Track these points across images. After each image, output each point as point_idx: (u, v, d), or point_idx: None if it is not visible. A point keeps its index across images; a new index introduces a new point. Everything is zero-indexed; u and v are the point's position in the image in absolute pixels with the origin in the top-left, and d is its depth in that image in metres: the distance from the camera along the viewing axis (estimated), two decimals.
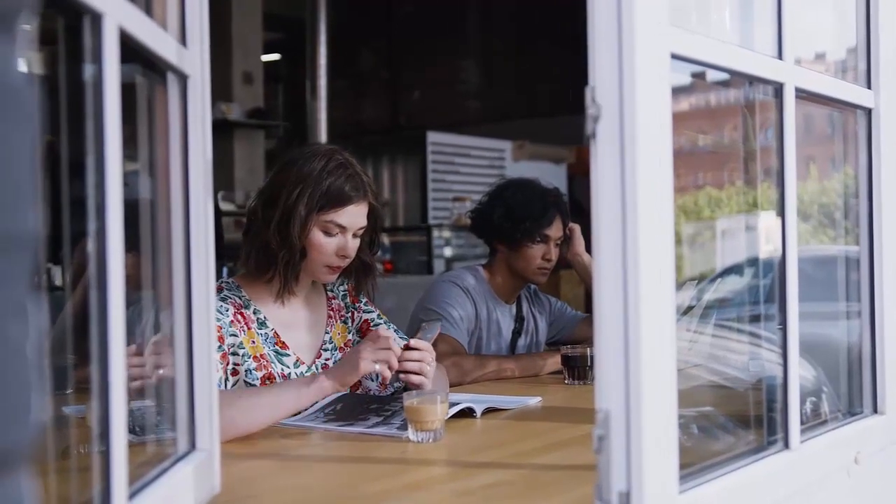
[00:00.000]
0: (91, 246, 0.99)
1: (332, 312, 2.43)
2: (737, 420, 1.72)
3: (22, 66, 0.61)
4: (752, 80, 1.60)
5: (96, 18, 0.99)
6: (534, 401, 2.39)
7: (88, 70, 1.01)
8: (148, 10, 1.22)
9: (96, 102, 1.00)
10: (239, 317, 2.23)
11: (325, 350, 2.37)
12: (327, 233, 2.24)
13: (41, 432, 0.61)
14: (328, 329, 2.40)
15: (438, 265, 7.48)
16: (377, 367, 2.06)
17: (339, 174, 2.23)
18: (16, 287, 0.57)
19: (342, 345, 2.41)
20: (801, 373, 1.60)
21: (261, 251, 2.25)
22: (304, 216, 2.20)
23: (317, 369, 2.31)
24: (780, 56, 1.55)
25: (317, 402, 2.14)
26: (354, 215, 2.26)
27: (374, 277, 2.44)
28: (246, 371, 2.19)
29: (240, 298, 2.27)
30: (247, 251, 2.28)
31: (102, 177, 0.99)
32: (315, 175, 2.21)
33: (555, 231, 3.05)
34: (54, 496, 1.12)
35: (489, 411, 2.22)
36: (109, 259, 0.99)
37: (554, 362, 2.86)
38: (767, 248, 1.97)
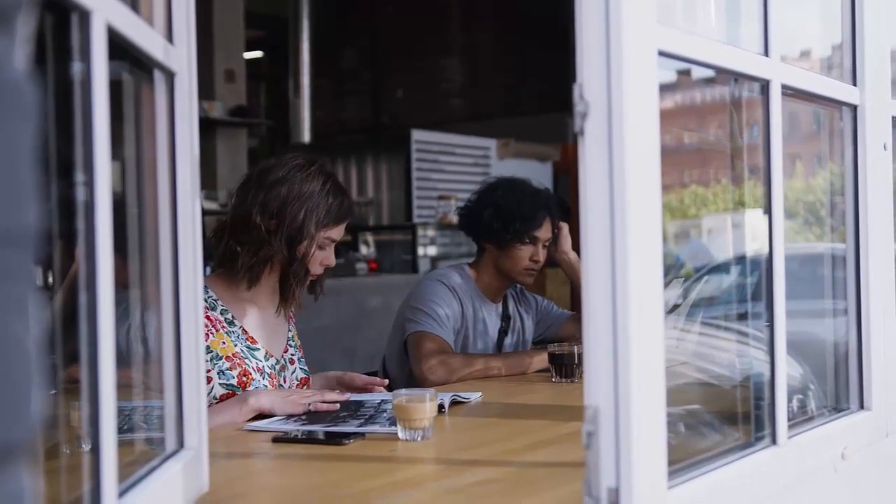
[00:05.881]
0: (80, 245, 0.98)
1: (291, 313, 2.52)
2: (724, 416, 1.73)
3: (21, 63, 0.61)
4: (739, 76, 1.60)
5: (84, 15, 0.99)
6: (474, 396, 2.40)
7: (76, 67, 1.00)
8: (134, 6, 1.21)
9: (84, 100, 0.99)
10: (206, 320, 2.23)
11: (291, 346, 2.48)
12: (321, 247, 2.34)
13: (41, 428, 0.61)
14: (290, 327, 2.51)
15: (423, 264, 7.47)
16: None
17: (337, 194, 2.34)
18: (18, 282, 0.57)
19: (299, 344, 2.53)
20: (787, 370, 1.60)
21: (263, 264, 2.30)
22: (313, 235, 2.30)
23: (285, 362, 2.42)
24: (766, 53, 1.56)
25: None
26: (343, 230, 2.39)
27: (326, 273, 2.51)
28: (219, 373, 2.23)
29: (205, 301, 2.28)
30: (249, 263, 2.29)
31: (91, 175, 0.98)
32: (317, 194, 2.30)
33: (544, 233, 3.05)
34: (41, 496, 1.11)
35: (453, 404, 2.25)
36: (98, 258, 0.99)
37: (541, 360, 2.86)
38: (753, 246, 1.98)
